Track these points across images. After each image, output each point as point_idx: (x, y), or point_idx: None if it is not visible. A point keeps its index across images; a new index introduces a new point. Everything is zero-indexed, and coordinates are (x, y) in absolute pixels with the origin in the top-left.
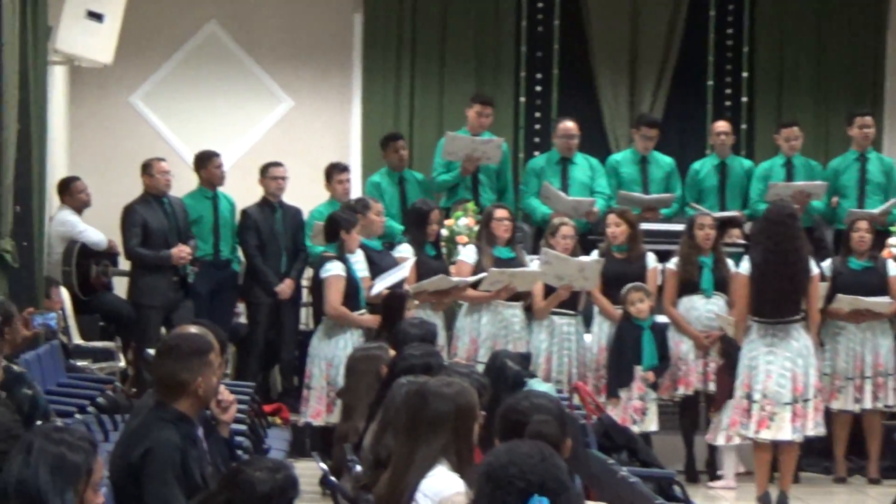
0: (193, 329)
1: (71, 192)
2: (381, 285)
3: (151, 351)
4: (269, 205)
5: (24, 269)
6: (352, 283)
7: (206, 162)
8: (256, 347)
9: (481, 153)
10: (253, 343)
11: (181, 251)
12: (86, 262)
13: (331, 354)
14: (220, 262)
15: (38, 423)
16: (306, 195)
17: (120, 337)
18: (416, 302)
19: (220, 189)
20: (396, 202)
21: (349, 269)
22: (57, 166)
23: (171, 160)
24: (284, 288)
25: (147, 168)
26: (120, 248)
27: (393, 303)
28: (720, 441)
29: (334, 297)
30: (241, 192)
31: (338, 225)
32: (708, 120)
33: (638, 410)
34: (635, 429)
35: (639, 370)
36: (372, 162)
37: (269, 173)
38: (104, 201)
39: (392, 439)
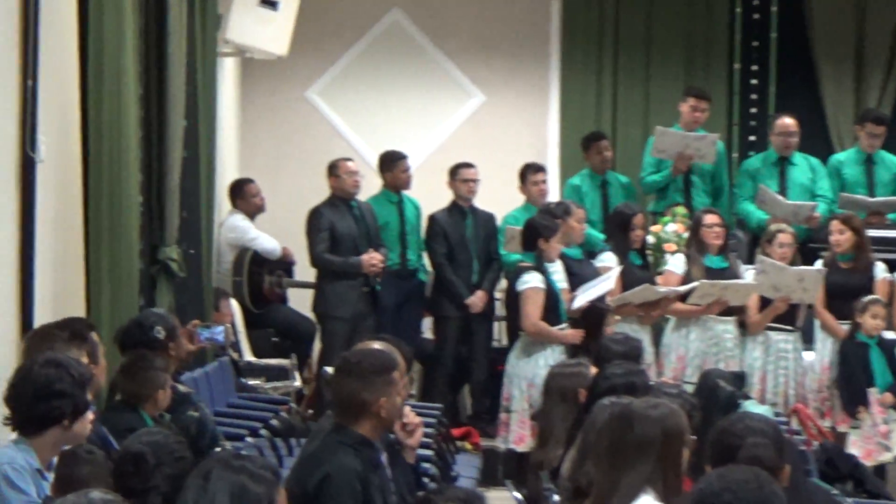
0: (377, 345)
1: (244, 195)
2: (584, 298)
3: (330, 369)
4: (459, 209)
5: (191, 279)
6: (551, 296)
7: (392, 164)
8: (444, 365)
9: (694, 150)
10: (441, 361)
11: (373, 258)
12: (258, 272)
13: (531, 374)
14: (406, 271)
15: (210, 448)
16: (499, 199)
17: (295, 353)
18: (618, 317)
19: (406, 193)
20: (598, 207)
21: (548, 281)
22: (226, 167)
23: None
24: (476, 300)
25: (333, 169)
26: (295, 256)
27: (593, 317)
28: None
29: (533, 311)
30: (427, 195)
31: (537, 232)
32: None
33: (885, 435)
34: (884, 457)
35: (873, 392)
36: (571, 162)
37: (460, 175)
38: (277, 204)
39: (593, 466)
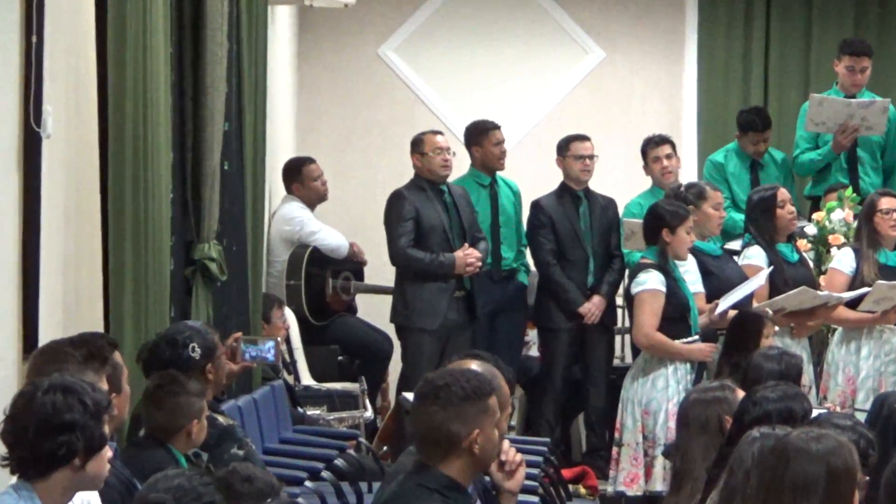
0: (471, 364)
1: (302, 178)
2: (729, 302)
3: (410, 395)
4: (571, 194)
5: (235, 283)
6: (678, 301)
7: (481, 136)
8: (553, 390)
9: (860, 120)
10: (549, 384)
11: (469, 255)
12: (320, 275)
13: (647, 398)
14: (501, 272)
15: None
16: (621, 181)
17: (366, 376)
18: (776, 328)
19: (501, 174)
20: (747, 190)
21: (675, 282)
22: (280, 143)
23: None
24: (592, 308)
25: (418, 145)
26: (366, 255)
27: (747, 326)
28: None
29: (648, 319)
30: (530, 177)
31: (660, 220)
32: None
33: None
34: None
35: None
36: (711, 135)
37: (572, 150)
38: (344, 190)
39: None
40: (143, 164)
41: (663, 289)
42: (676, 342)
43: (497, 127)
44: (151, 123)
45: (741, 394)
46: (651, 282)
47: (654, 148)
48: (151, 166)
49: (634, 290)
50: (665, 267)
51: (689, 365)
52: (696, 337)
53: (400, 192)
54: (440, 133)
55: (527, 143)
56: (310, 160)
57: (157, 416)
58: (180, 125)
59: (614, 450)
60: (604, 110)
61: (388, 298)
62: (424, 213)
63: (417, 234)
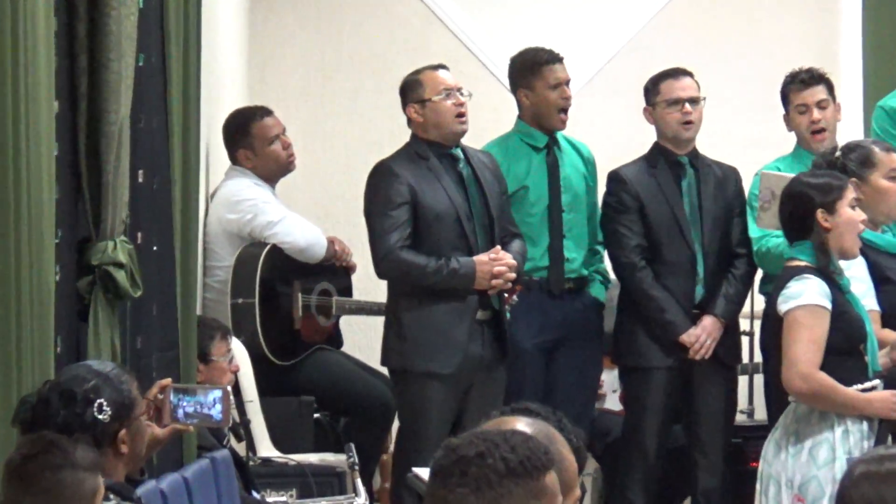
0: (517, 424)
1: (253, 139)
2: None
3: (421, 472)
4: (669, 160)
5: (154, 300)
6: (848, 325)
7: (532, 73)
8: (644, 462)
9: None
10: (637, 453)
11: (497, 261)
12: (284, 288)
13: (802, 477)
14: (564, 283)
15: None
16: (746, 144)
17: (357, 444)
18: None
19: (563, 131)
20: None
21: (842, 295)
22: (224, 87)
23: (466, 73)
24: (701, 335)
25: (413, 89)
26: (355, 258)
27: None
28: None
29: (806, 351)
30: (602, 136)
31: (806, 201)
32: None
33: None
34: None
35: None
36: (883, 71)
37: (664, 93)
38: (318, 154)
39: None
40: (12, 117)
41: (828, 304)
42: (850, 389)
43: (558, 59)
44: (25, 53)
45: None
46: (809, 293)
47: (799, 90)
48: (24, 120)
49: (784, 306)
50: (828, 270)
51: (865, 425)
52: (877, 382)
53: (386, 165)
54: (444, 67)
55: (597, 84)
56: (264, 112)
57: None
58: (69, 59)
59: None
60: (712, 33)
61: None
62: (426, 195)
63: (416, 228)
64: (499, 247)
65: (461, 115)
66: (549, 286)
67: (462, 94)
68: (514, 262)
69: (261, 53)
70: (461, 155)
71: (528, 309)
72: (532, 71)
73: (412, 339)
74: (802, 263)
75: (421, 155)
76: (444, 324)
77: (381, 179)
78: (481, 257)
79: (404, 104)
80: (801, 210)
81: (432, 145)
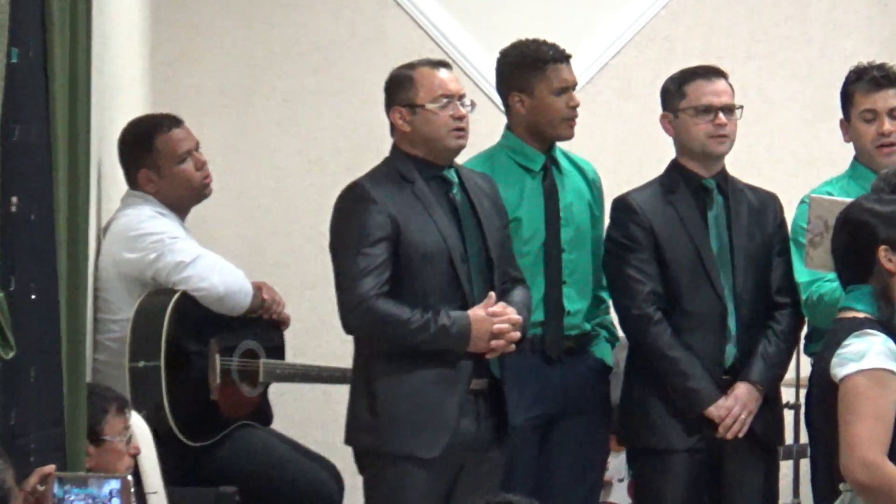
0: None
1: (157, 156)
2: None
3: None
4: (692, 183)
5: (32, 364)
6: None
7: (530, 74)
8: None
9: None
10: None
11: (498, 315)
12: (198, 348)
13: None
14: (563, 342)
15: None
16: (788, 163)
17: None
18: None
19: (564, 145)
20: None
21: None
22: (123, 90)
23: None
24: (734, 408)
25: (403, 87)
26: (290, 308)
27: None
28: None
29: (870, 432)
30: (605, 151)
31: (869, 232)
32: None
33: None
34: None
35: None
36: None
37: (691, 96)
38: (243, 176)
39: None
40: None
41: (893, 365)
42: None
43: (565, 57)
44: None
45: None
46: (873, 355)
47: (867, 91)
48: None
49: (841, 370)
50: (892, 325)
51: None
52: None
53: (362, 188)
54: (446, 65)
55: (599, 85)
56: (171, 121)
57: None
58: None
59: None
60: (746, 21)
61: (339, 395)
62: (412, 229)
63: (398, 271)
64: (493, 294)
65: (460, 130)
66: (545, 346)
67: (464, 105)
68: (518, 317)
69: (168, 47)
70: (455, 178)
71: (517, 375)
72: (532, 70)
73: (388, 414)
74: (861, 315)
75: (405, 176)
76: (430, 395)
77: (354, 206)
78: (478, 311)
79: (389, 105)
80: (859, 244)
81: (420, 164)
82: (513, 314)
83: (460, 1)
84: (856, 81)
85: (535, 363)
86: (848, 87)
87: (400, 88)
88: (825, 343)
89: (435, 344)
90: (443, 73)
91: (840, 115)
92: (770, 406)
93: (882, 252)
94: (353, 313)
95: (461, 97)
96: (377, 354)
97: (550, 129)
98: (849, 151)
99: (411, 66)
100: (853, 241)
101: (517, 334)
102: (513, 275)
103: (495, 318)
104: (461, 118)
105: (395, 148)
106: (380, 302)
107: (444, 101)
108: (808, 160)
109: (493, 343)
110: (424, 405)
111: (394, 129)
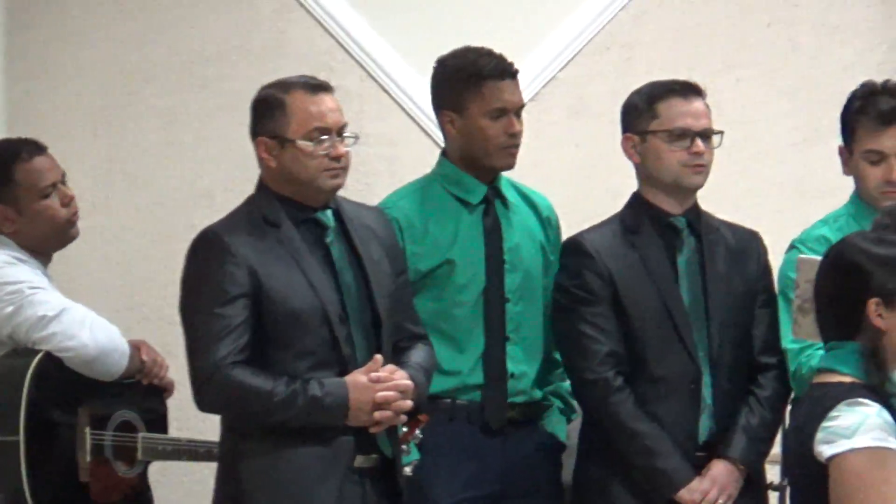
0: None
1: (13, 188)
2: None
3: None
4: (660, 221)
5: None
6: None
7: (465, 90)
8: None
9: None
10: None
11: (383, 381)
12: (64, 418)
13: None
14: (506, 412)
15: None
16: (767, 191)
17: None
18: None
19: (511, 174)
20: None
21: None
22: None
23: (344, 85)
24: (708, 491)
25: (269, 114)
26: (177, 366)
27: None
28: None
29: None
30: (553, 180)
31: (860, 281)
32: None
33: None
34: None
35: None
36: None
37: (664, 118)
38: (119, 212)
39: None
40: None
41: (894, 444)
42: None
43: (509, 73)
44: None
45: None
46: (867, 431)
47: (873, 129)
48: None
49: (828, 448)
50: (882, 390)
51: None
52: None
53: (215, 236)
54: (327, 89)
55: (545, 101)
56: (32, 148)
57: None
58: None
59: None
60: (721, 25)
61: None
62: (276, 284)
63: (262, 333)
64: (379, 357)
65: (335, 169)
66: (484, 416)
67: (344, 139)
68: (407, 382)
69: (24, 60)
70: (330, 221)
71: (450, 449)
72: (466, 86)
73: (255, 501)
74: (847, 379)
75: (269, 220)
76: (303, 478)
77: (206, 258)
78: (359, 377)
79: (254, 133)
80: (847, 292)
81: (287, 204)
82: (402, 379)
83: (379, 4)
84: (859, 113)
85: (471, 436)
86: (850, 115)
87: (268, 115)
88: (805, 413)
89: (306, 419)
90: (322, 100)
91: (837, 139)
92: (752, 488)
93: (872, 306)
94: (205, 385)
95: (341, 130)
96: (240, 432)
97: (484, 156)
98: (847, 182)
99: (285, 86)
100: (840, 287)
101: (407, 403)
102: (412, 331)
103: (378, 384)
104: (338, 158)
105: (260, 184)
106: (236, 371)
107: (320, 137)
108: (797, 192)
109: (377, 414)
110: (296, 491)
111: (259, 160)
